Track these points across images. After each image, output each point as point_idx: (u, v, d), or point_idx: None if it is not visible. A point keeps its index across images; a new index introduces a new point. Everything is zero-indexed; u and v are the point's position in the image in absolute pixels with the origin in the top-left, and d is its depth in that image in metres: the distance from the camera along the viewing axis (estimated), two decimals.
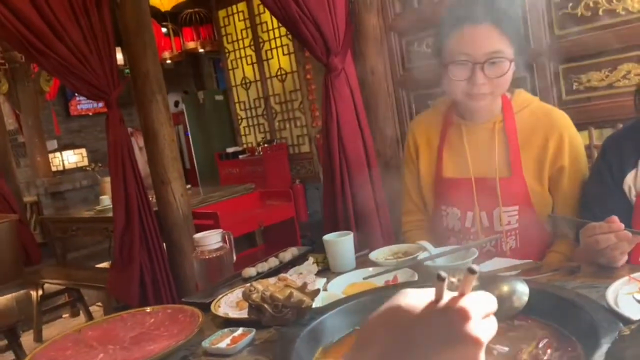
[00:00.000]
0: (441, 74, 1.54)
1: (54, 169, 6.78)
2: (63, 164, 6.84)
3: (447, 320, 0.51)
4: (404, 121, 2.48)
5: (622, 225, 1.12)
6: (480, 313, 0.51)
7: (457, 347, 0.50)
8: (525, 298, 0.97)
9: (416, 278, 1.28)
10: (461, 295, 0.52)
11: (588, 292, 0.98)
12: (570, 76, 2.12)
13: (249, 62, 6.10)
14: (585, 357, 0.76)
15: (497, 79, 1.45)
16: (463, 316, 0.50)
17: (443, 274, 0.52)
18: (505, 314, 0.97)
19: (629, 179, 1.32)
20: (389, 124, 2.43)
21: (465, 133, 1.58)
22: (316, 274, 1.49)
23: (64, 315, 4.10)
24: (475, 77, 1.44)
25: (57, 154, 6.83)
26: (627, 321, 0.78)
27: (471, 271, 0.51)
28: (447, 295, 0.52)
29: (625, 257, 1.18)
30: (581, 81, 2.11)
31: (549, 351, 0.83)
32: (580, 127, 1.59)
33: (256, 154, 5.82)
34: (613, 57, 2.04)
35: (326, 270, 1.53)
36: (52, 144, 6.93)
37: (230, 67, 6.32)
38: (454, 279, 1.09)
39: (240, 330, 1.14)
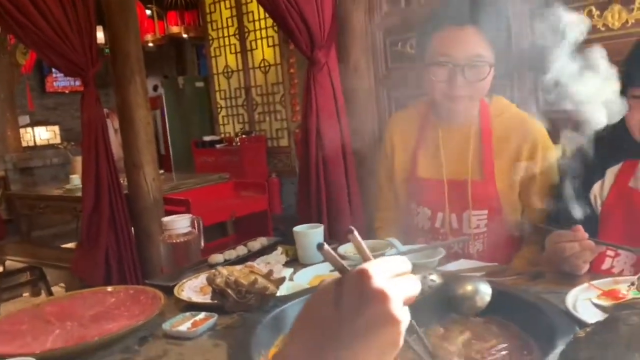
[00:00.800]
0: (422, 74, 1.55)
1: (24, 144, 6.62)
2: (34, 140, 6.67)
3: (351, 285, 0.51)
4: (383, 120, 2.48)
5: (586, 235, 1.15)
6: (384, 271, 0.52)
7: (367, 306, 0.50)
8: (488, 298, 0.99)
9: None
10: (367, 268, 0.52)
11: (549, 297, 1.00)
12: (550, 87, 2.15)
13: (233, 51, 6.04)
14: (541, 357, 0.77)
15: (477, 82, 1.47)
16: (363, 276, 0.51)
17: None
18: (468, 312, 0.98)
19: (596, 188, 1.35)
20: (367, 121, 2.44)
21: (442, 134, 1.59)
22: (284, 265, 1.48)
23: (24, 294, 4.01)
24: (454, 79, 1.45)
25: (29, 129, 6.67)
26: (583, 325, 0.80)
27: (349, 231, 0.55)
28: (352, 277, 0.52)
29: (587, 266, 1.20)
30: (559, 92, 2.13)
31: (501, 354, 0.84)
32: (555, 138, 1.61)
33: (234, 144, 5.77)
34: None
35: (294, 262, 1.53)
36: (25, 119, 6.76)
37: (213, 54, 6.25)
38: (418, 276, 1.09)
39: (202, 315, 1.13)
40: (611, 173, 1.34)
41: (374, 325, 0.50)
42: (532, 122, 1.56)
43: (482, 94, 1.53)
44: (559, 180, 1.50)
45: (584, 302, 0.95)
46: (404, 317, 0.51)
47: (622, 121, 1.28)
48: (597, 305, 0.75)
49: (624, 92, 1.27)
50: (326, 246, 0.55)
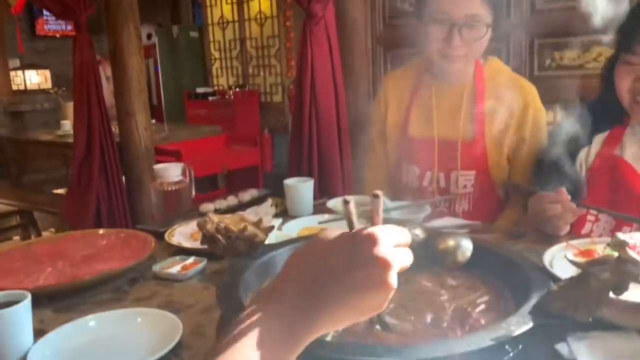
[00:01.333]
0: (419, 32, 1.54)
1: (14, 87, 6.50)
2: (25, 83, 6.54)
3: (357, 244, 0.55)
4: (377, 78, 2.48)
5: (569, 197, 1.18)
6: (390, 240, 0.55)
7: (367, 268, 0.53)
8: (469, 253, 1.01)
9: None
10: (373, 224, 0.57)
11: (529, 255, 1.03)
12: (544, 52, 2.15)
13: (229, 1, 5.91)
14: (515, 308, 0.80)
15: (473, 42, 1.47)
16: (371, 240, 0.54)
17: (348, 198, 0.60)
18: (450, 266, 1.02)
19: (582, 155, 1.37)
20: (363, 78, 2.43)
21: (435, 94, 1.60)
22: (273, 216, 1.51)
23: (14, 238, 4.04)
24: (451, 37, 1.45)
25: (19, 72, 6.53)
26: (558, 280, 0.83)
27: (375, 196, 0.58)
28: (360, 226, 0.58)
29: (568, 227, 1.24)
30: (554, 58, 2.14)
31: (478, 308, 0.88)
32: (546, 104, 1.63)
33: (227, 97, 5.72)
34: (588, 37, 2.08)
35: (283, 214, 1.56)
36: (14, 62, 6.62)
37: (208, 3, 6.12)
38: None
39: (191, 259, 1.16)
40: (598, 140, 1.36)
41: (367, 286, 0.54)
42: (525, 85, 1.57)
43: (478, 54, 1.53)
44: (547, 145, 1.53)
45: (561, 260, 0.98)
46: (395, 285, 0.54)
47: (612, 88, 1.30)
48: (572, 262, 0.79)
49: (615, 58, 1.28)
50: (352, 203, 0.60)
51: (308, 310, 0.54)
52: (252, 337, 0.52)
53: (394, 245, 0.56)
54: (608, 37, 1.37)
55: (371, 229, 0.55)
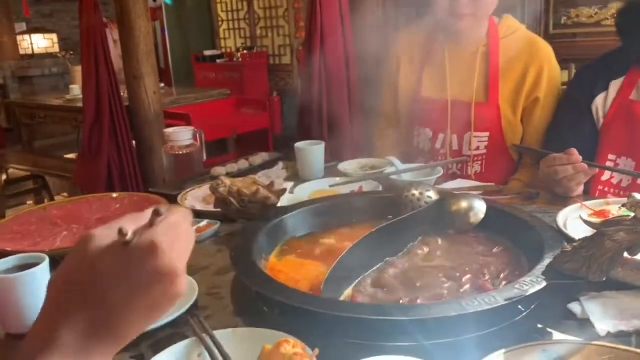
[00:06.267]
0: None
1: (22, 52, 6.45)
2: (32, 48, 6.49)
3: (135, 261, 0.45)
4: (388, 37, 2.43)
5: (580, 158, 1.17)
6: (170, 241, 0.46)
7: (152, 287, 0.45)
8: (482, 215, 1.02)
9: (381, 189, 1.32)
10: (145, 228, 0.47)
11: (542, 216, 1.03)
12: (560, 9, 2.10)
13: None
14: (528, 269, 0.81)
15: (480, 0, 1.43)
16: (151, 252, 0.45)
17: (125, 229, 0.45)
18: (462, 228, 1.02)
19: (599, 100, 1.36)
20: (373, 38, 2.38)
21: (448, 54, 1.57)
22: (284, 179, 1.51)
23: (28, 202, 4.10)
24: None
25: (26, 36, 6.47)
26: (571, 241, 0.83)
27: (157, 213, 0.48)
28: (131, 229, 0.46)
29: (581, 189, 1.23)
30: (570, 16, 2.08)
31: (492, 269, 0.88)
32: (561, 63, 1.60)
33: (235, 59, 5.64)
34: None
35: (294, 177, 1.56)
36: (21, 26, 6.56)
37: None
38: (416, 192, 1.12)
39: (205, 222, 1.17)
40: (615, 86, 1.35)
41: (155, 304, 0.46)
42: (541, 44, 1.53)
43: (487, 13, 1.49)
44: (563, 96, 1.50)
45: (574, 221, 0.98)
46: (185, 288, 0.47)
47: (627, 36, 1.28)
48: (586, 222, 0.78)
49: (627, 7, 1.26)
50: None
51: (92, 350, 0.45)
52: None
53: (176, 239, 0.47)
54: None
55: (148, 237, 0.46)
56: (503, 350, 0.64)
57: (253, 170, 1.62)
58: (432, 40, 1.61)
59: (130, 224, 0.47)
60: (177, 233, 0.48)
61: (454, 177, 1.52)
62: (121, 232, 0.45)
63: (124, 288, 0.45)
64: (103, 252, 0.46)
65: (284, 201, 1.18)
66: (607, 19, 2.02)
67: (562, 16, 2.12)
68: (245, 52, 5.67)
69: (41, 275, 0.81)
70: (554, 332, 0.74)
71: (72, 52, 5.19)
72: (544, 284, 0.73)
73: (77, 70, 3.69)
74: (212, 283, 0.94)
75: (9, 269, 0.82)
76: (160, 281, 0.45)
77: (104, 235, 0.47)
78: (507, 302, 0.69)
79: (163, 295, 0.46)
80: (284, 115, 5.56)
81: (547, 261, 0.78)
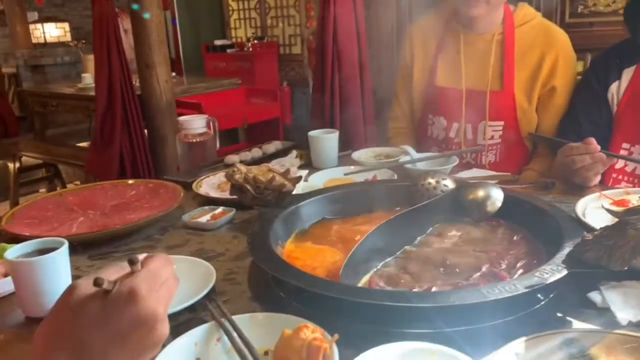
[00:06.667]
0: None
1: (34, 41, 6.49)
2: (44, 36, 6.52)
3: (116, 310, 0.47)
4: (402, 26, 2.41)
5: (598, 147, 1.16)
6: (151, 287, 0.48)
7: (133, 333, 0.47)
8: (499, 203, 1.01)
9: (395, 178, 1.31)
10: (126, 276, 0.49)
11: (559, 206, 1.02)
12: None
13: None
14: (548, 258, 0.80)
15: None
16: (131, 299, 0.47)
17: (100, 279, 0.47)
18: (479, 217, 1.02)
19: (613, 87, 1.36)
20: (386, 27, 2.37)
21: (463, 43, 1.55)
22: (298, 168, 1.51)
23: (40, 190, 4.13)
24: None
25: (39, 25, 6.50)
26: (591, 230, 0.82)
27: (131, 262, 0.49)
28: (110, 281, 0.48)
29: (599, 178, 1.22)
30: (587, 4, 2.06)
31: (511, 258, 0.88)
32: (578, 53, 1.58)
33: (245, 49, 5.64)
34: None
35: (308, 165, 1.56)
36: (33, 15, 6.58)
37: None
38: (432, 180, 1.12)
39: (220, 209, 1.17)
40: (627, 74, 1.35)
41: (138, 348, 0.48)
42: (557, 32, 1.51)
43: (501, 0, 1.48)
44: (579, 83, 1.49)
45: (594, 210, 0.97)
46: (167, 332, 0.49)
47: (637, 24, 1.27)
48: (609, 211, 0.77)
49: None
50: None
51: None
52: None
53: (155, 285, 0.49)
54: None
55: (127, 285, 0.47)
56: (524, 338, 0.64)
57: (266, 158, 1.62)
58: (447, 28, 1.60)
59: (111, 274, 0.49)
60: (156, 279, 0.49)
61: (468, 166, 1.52)
62: (96, 282, 0.47)
63: (104, 335, 0.46)
64: (84, 301, 0.47)
65: (298, 189, 1.18)
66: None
67: (579, 5, 2.09)
68: (255, 41, 5.66)
69: (61, 259, 0.82)
70: (573, 320, 0.73)
71: (84, 41, 5.21)
72: (565, 272, 0.72)
73: (89, 59, 3.70)
74: (229, 269, 0.94)
75: (29, 253, 0.83)
76: (140, 327, 0.47)
77: (86, 285, 0.48)
78: (527, 290, 0.69)
79: (144, 340, 0.48)
80: (293, 105, 5.56)
81: (567, 250, 0.78)
